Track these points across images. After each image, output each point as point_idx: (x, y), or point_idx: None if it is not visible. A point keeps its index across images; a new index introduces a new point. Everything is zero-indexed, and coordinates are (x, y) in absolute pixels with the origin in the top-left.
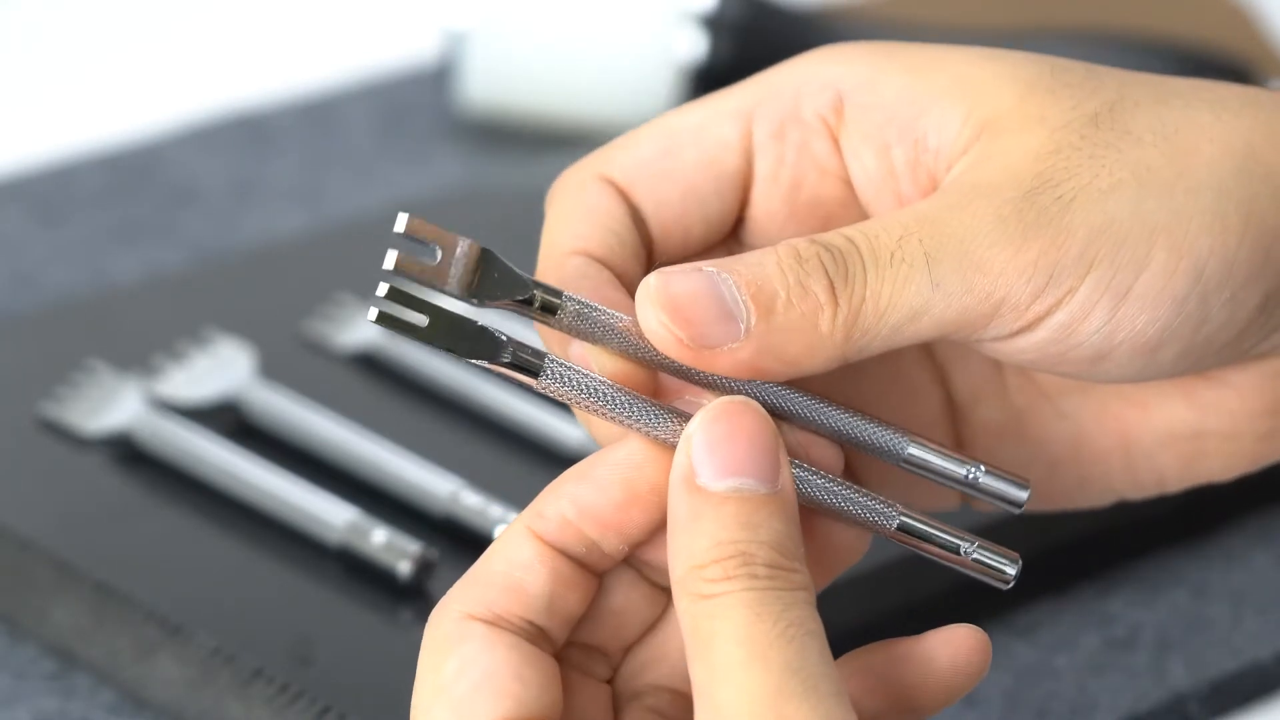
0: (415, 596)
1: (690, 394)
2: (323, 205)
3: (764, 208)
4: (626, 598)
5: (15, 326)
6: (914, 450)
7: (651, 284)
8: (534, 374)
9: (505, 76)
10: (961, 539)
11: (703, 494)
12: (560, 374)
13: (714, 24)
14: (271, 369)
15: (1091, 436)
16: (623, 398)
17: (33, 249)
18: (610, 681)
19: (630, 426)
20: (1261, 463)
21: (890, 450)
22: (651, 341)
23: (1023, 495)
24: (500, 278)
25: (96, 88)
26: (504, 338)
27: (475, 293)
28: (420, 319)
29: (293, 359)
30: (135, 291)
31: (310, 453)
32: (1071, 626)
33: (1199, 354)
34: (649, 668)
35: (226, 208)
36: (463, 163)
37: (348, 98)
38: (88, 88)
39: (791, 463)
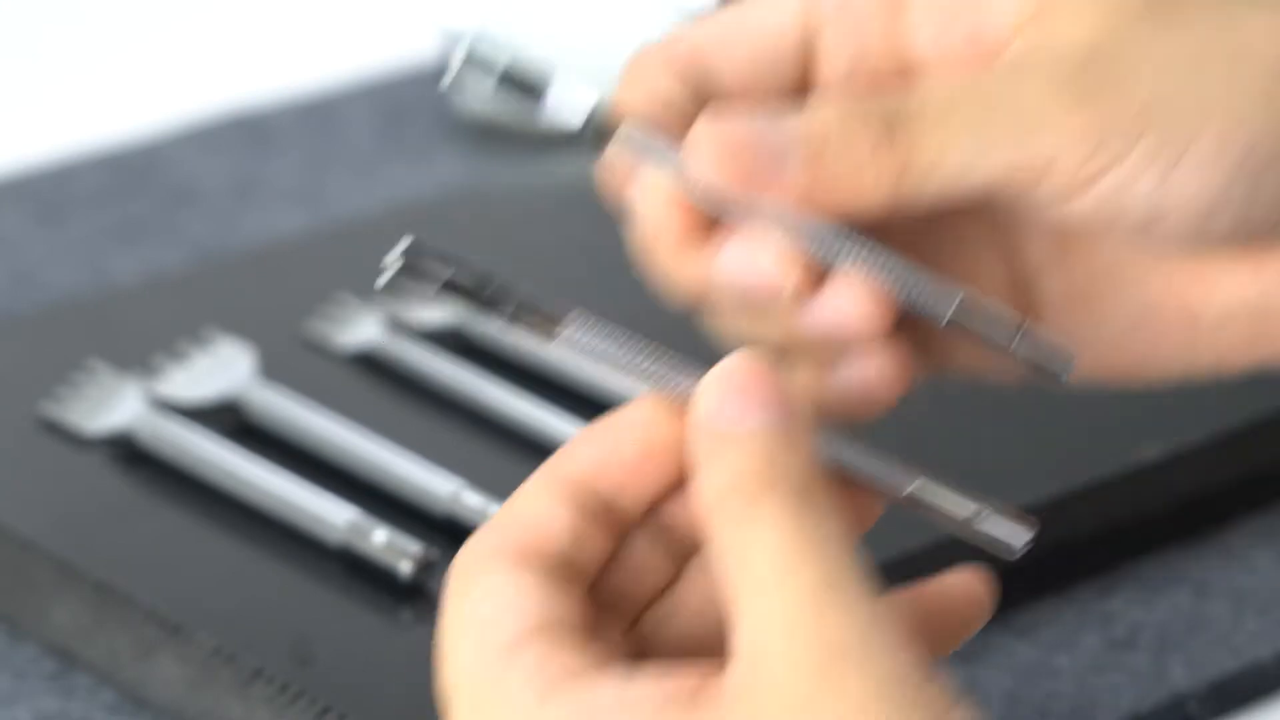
0: (416, 596)
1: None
2: (323, 205)
3: (828, 78)
4: (644, 558)
5: (15, 326)
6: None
7: (704, 123)
8: (556, 325)
9: None
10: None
11: (723, 435)
12: (584, 325)
13: None
14: (272, 369)
15: (1156, 310)
16: (643, 349)
17: (33, 249)
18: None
19: (649, 377)
20: None
21: (935, 309)
22: (702, 178)
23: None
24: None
25: (96, 88)
26: (523, 290)
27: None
28: (442, 271)
29: (293, 359)
30: (135, 291)
31: (311, 453)
32: (1071, 626)
33: (1255, 225)
34: (664, 625)
35: (226, 208)
36: (463, 163)
37: (348, 98)
38: (88, 88)
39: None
